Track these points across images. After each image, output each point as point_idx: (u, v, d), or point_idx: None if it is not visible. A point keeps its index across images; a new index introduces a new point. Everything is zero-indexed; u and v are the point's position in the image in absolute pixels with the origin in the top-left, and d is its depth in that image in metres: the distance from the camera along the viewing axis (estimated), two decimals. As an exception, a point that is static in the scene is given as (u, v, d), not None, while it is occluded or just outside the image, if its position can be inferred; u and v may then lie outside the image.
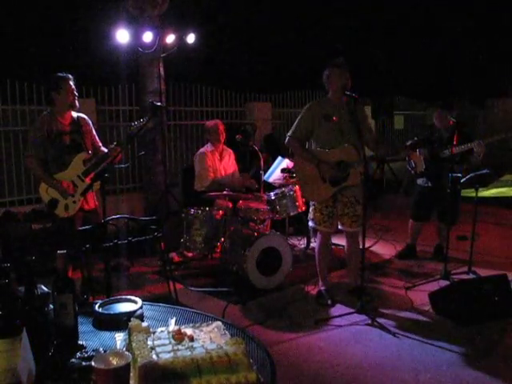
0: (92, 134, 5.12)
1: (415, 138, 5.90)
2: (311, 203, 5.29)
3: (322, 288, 5.34)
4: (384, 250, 7.14)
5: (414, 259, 6.74)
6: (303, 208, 6.30)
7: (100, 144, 5.18)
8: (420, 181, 6.58)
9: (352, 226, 5.13)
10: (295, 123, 5.18)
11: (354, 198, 5.08)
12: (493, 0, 17.61)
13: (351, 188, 5.04)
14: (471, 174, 5.83)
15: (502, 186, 6.62)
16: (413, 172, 6.52)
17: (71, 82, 4.84)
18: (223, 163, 6.81)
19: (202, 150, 6.85)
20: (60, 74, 4.83)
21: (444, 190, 6.22)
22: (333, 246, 6.71)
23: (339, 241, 6.49)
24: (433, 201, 6.48)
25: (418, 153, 6.22)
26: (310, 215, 5.27)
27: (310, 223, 5.35)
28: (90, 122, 5.15)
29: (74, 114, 5.00)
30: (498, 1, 17.32)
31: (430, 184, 6.43)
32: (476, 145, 5.91)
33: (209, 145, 6.83)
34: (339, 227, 5.27)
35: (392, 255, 6.90)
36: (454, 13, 18.17)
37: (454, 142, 5.96)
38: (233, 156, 7.00)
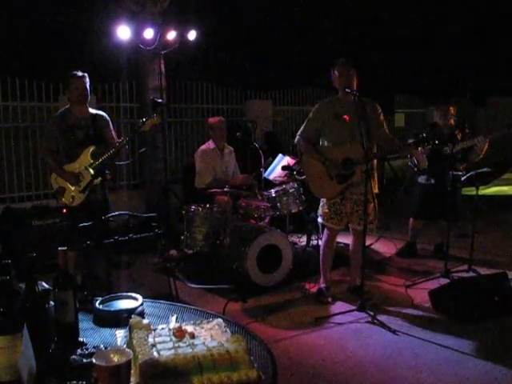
0: (108, 131, 5.34)
1: (419, 136, 5.91)
2: (321, 199, 5.31)
3: (323, 285, 5.34)
4: (384, 247, 7.14)
5: (414, 258, 6.75)
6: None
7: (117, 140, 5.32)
8: (421, 178, 6.58)
9: (360, 224, 5.12)
10: (305, 123, 5.26)
11: (362, 196, 5.08)
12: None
13: (360, 186, 5.02)
14: (472, 173, 5.83)
15: (502, 185, 6.63)
16: (415, 169, 6.52)
17: (83, 79, 5.08)
18: (224, 160, 6.80)
19: (203, 147, 6.84)
20: (72, 72, 5.09)
21: (446, 188, 6.24)
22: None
23: (341, 239, 6.47)
24: (435, 198, 6.48)
25: (420, 150, 6.22)
26: (319, 211, 5.31)
27: (319, 219, 5.37)
28: (109, 120, 5.40)
29: (93, 111, 5.29)
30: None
31: (432, 181, 6.44)
32: (479, 141, 5.92)
33: (211, 142, 6.82)
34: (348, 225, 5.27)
35: (392, 253, 6.90)
36: (456, 11, 18.14)
37: (459, 139, 6.00)
38: (233, 154, 7.00)
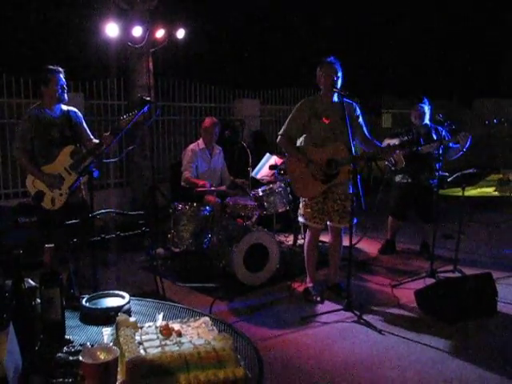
0: (82, 128, 5.10)
1: (401, 138, 5.96)
2: (301, 199, 5.27)
3: (310, 285, 5.35)
4: (370, 247, 7.17)
5: (394, 254, 6.88)
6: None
7: (91, 137, 5.12)
8: (398, 177, 6.67)
9: (340, 223, 5.15)
10: (286, 122, 5.18)
11: (343, 195, 5.10)
12: (481, 1, 17.73)
13: (342, 185, 5.05)
14: (458, 174, 5.88)
15: (487, 186, 6.68)
16: (393, 168, 6.60)
17: (60, 75, 4.82)
18: (213, 160, 6.79)
19: (191, 146, 6.81)
20: (49, 67, 4.81)
21: (422, 186, 6.34)
22: (319, 244, 6.73)
23: (326, 238, 6.49)
24: (412, 197, 6.56)
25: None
26: (300, 211, 5.26)
27: (300, 219, 5.33)
28: (81, 116, 5.15)
29: (65, 108, 5.00)
30: (487, 2, 17.44)
31: (409, 180, 6.53)
32: (461, 137, 5.98)
33: (200, 141, 6.79)
34: (327, 223, 5.27)
35: (377, 253, 6.95)
36: (443, 13, 18.25)
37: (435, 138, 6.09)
38: (222, 154, 6.99)
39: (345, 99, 4.99)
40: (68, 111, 5.01)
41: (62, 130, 4.88)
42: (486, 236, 7.85)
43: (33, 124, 4.79)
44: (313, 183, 5.00)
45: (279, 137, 5.19)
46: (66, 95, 4.91)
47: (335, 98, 5.10)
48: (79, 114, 5.13)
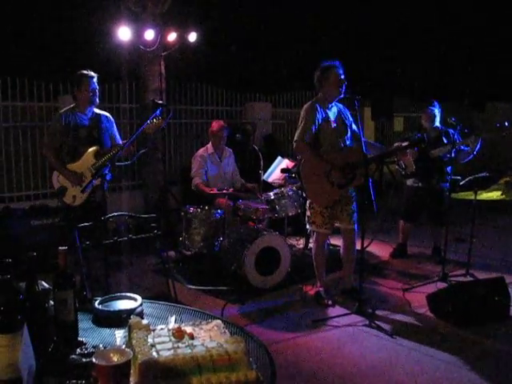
0: (112, 131, 5.35)
1: (410, 139, 5.97)
2: (309, 206, 5.20)
3: (321, 289, 5.34)
4: (382, 251, 7.15)
5: (406, 258, 6.87)
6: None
7: (120, 142, 5.33)
8: (409, 181, 6.65)
9: (350, 223, 5.13)
10: (301, 127, 4.96)
11: (349, 197, 5.09)
12: (492, 3, 17.64)
13: (349, 188, 5.05)
14: (470, 177, 5.85)
15: (498, 190, 6.64)
16: (403, 173, 6.59)
17: (93, 80, 5.09)
18: (223, 164, 6.80)
19: (200, 151, 6.81)
20: (83, 72, 5.08)
21: (433, 190, 6.32)
22: (331, 247, 6.72)
23: (338, 242, 6.48)
24: (423, 201, 6.54)
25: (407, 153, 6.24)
26: (310, 218, 5.19)
27: (310, 226, 5.25)
28: (112, 120, 5.41)
29: (97, 111, 5.28)
30: (498, 3, 17.35)
31: (420, 184, 6.51)
32: (471, 141, 5.97)
33: (210, 145, 6.80)
34: (336, 225, 5.26)
35: (388, 256, 6.92)
36: (454, 14, 18.18)
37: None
38: (233, 156, 6.99)
39: (341, 104, 5.03)
40: (100, 114, 5.27)
41: (89, 131, 5.13)
42: (498, 240, 7.81)
43: (63, 124, 5.06)
44: (331, 190, 4.94)
45: (296, 143, 4.96)
46: (97, 99, 5.16)
47: (332, 103, 5.11)
48: (111, 118, 5.40)
